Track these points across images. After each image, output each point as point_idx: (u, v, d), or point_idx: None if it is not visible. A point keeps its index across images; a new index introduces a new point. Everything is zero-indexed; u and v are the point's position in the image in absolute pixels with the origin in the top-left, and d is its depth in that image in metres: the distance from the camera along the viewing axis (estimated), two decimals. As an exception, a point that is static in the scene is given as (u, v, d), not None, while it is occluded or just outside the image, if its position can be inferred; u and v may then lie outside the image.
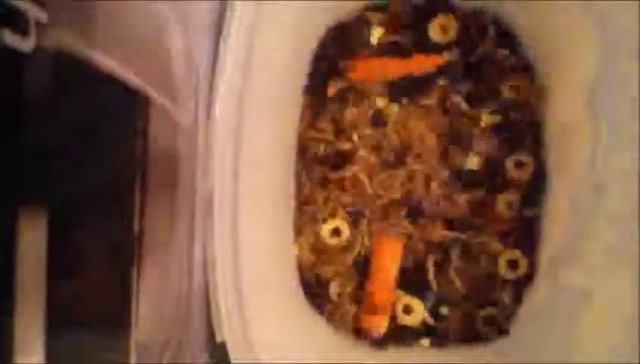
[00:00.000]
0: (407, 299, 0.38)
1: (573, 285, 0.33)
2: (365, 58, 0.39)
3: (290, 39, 0.35)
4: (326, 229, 0.39)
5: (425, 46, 0.39)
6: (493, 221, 0.38)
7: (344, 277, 0.39)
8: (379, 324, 0.38)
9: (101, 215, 0.22)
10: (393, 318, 0.38)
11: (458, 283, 0.38)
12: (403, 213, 0.39)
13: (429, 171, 0.39)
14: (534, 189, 0.38)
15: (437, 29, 0.39)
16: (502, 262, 0.38)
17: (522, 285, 0.37)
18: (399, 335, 0.38)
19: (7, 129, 0.15)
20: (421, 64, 0.39)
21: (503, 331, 0.37)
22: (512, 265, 0.38)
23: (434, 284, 0.38)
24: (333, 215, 0.39)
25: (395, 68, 0.39)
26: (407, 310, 0.38)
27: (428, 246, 0.39)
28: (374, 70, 0.39)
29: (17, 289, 0.15)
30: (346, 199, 0.39)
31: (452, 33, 0.39)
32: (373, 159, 0.39)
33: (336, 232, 0.39)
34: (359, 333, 0.38)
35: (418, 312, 0.38)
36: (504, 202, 0.38)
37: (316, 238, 0.39)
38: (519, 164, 0.38)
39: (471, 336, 0.38)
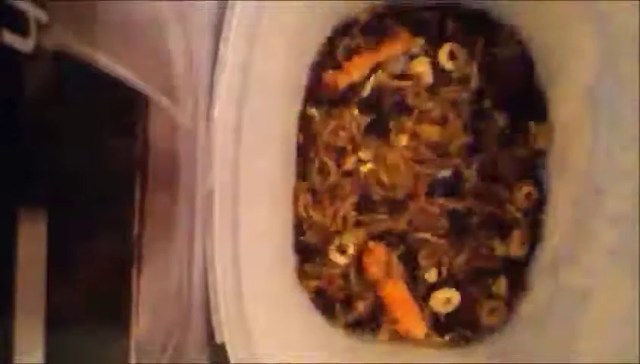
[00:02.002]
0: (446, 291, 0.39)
1: (573, 285, 0.33)
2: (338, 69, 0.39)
3: (290, 39, 0.35)
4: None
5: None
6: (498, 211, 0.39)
7: (345, 276, 0.39)
8: (417, 325, 0.38)
9: (101, 216, 0.22)
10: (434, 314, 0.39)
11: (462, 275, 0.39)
12: (403, 214, 0.39)
13: (432, 173, 0.39)
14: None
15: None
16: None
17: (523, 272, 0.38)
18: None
19: (7, 129, 0.15)
20: (391, 49, 0.39)
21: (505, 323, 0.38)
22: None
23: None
24: (333, 216, 0.39)
25: (367, 61, 0.39)
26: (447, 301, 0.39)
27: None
28: (351, 73, 0.39)
29: (17, 289, 0.15)
30: (347, 199, 0.39)
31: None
32: (373, 164, 0.39)
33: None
34: (398, 337, 0.39)
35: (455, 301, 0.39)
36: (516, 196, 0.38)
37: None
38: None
39: (474, 328, 0.38)
